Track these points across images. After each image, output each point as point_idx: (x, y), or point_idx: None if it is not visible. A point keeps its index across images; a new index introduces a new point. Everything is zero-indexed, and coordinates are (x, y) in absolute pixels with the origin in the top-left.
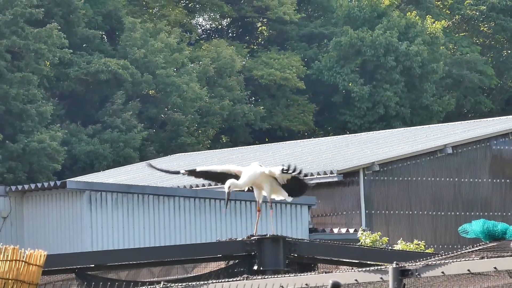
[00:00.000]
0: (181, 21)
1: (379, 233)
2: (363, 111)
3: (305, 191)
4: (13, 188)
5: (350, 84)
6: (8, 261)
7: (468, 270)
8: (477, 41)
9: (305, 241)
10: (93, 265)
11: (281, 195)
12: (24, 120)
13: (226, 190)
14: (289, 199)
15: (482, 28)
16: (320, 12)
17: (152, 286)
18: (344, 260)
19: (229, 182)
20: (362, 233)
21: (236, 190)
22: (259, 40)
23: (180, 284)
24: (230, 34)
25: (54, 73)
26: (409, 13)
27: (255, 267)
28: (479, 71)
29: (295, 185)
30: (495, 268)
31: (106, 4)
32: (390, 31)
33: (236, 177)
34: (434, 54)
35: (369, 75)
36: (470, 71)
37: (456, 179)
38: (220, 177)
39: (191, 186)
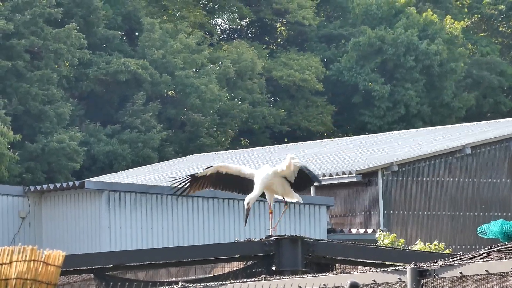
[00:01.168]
0: (200, 22)
1: (394, 234)
2: (382, 111)
3: (310, 184)
4: (32, 188)
5: (370, 84)
6: (27, 261)
7: (486, 270)
8: (496, 41)
9: (323, 241)
10: (111, 266)
11: (294, 197)
12: (43, 121)
13: (246, 207)
14: (301, 200)
15: (501, 28)
16: (339, 12)
17: (170, 287)
18: (362, 260)
19: (248, 198)
20: (380, 234)
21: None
22: (278, 40)
23: (199, 284)
24: (249, 35)
25: (73, 73)
26: (425, 13)
27: (273, 268)
28: (499, 72)
29: (302, 178)
30: None
31: (126, 5)
32: (411, 30)
33: (249, 181)
34: (453, 53)
35: (389, 75)
36: (490, 72)
37: (475, 180)
38: (234, 181)
39: None
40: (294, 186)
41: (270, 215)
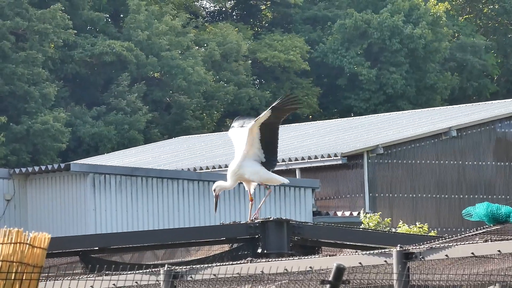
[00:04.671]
0: (186, 4)
1: (379, 213)
2: (369, 94)
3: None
4: (17, 170)
5: (355, 68)
6: (12, 244)
7: (472, 253)
8: (480, 23)
9: (309, 224)
10: (97, 248)
11: (275, 180)
12: (28, 101)
13: (214, 193)
14: (286, 181)
15: (485, 11)
16: None
17: (156, 269)
18: (348, 243)
19: (216, 184)
20: (364, 216)
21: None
22: (263, 22)
23: (184, 267)
24: (234, 17)
25: (58, 55)
26: None
27: (259, 250)
28: (483, 60)
29: (270, 145)
30: (499, 251)
31: None
32: (397, 15)
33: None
34: (436, 35)
35: (374, 58)
36: (473, 56)
37: (460, 162)
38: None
39: (195, 169)
40: (267, 161)
41: (251, 202)
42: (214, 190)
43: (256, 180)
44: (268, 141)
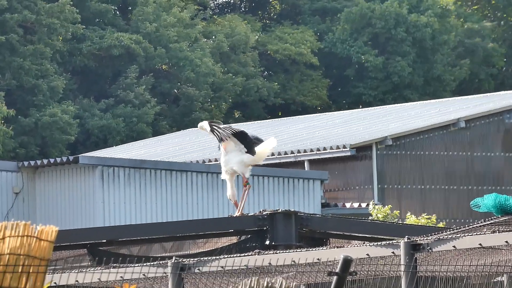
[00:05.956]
0: None
1: (389, 206)
2: (376, 82)
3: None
4: (25, 163)
5: (363, 57)
6: (20, 237)
7: (480, 244)
8: (488, 13)
9: (317, 216)
10: (105, 241)
11: (258, 159)
12: (36, 94)
13: (232, 202)
14: (273, 143)
15: (493, 2)
16: None
17: (164, 261)
18: (356, 234)
19: (228, 196)
20: (373, 207)
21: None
22: (272, 14)
23: (192, 259)
24: (242, 9)
25: (66, 48)
26: None
27: (267, 242)
28: (491, 43)
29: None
30: (506, 242)
31: None
32: (400, 3)
33: None
34: (445, 26)
35: (381, 48)
36: (482, 38)
37: (469, 153)
38: None
39: (203, 161)
40: (248, 151)
41: (245, 188)
42: (230, 200)
43: (244, 169)
44: (239, 138)
